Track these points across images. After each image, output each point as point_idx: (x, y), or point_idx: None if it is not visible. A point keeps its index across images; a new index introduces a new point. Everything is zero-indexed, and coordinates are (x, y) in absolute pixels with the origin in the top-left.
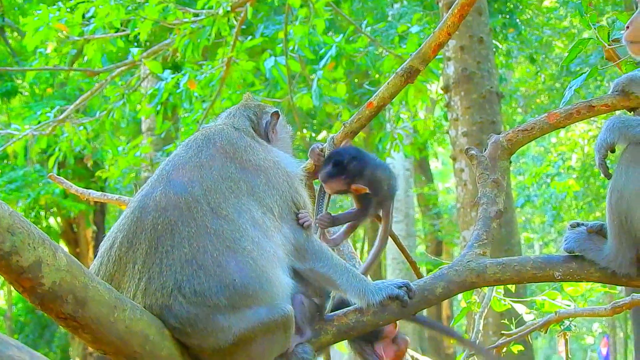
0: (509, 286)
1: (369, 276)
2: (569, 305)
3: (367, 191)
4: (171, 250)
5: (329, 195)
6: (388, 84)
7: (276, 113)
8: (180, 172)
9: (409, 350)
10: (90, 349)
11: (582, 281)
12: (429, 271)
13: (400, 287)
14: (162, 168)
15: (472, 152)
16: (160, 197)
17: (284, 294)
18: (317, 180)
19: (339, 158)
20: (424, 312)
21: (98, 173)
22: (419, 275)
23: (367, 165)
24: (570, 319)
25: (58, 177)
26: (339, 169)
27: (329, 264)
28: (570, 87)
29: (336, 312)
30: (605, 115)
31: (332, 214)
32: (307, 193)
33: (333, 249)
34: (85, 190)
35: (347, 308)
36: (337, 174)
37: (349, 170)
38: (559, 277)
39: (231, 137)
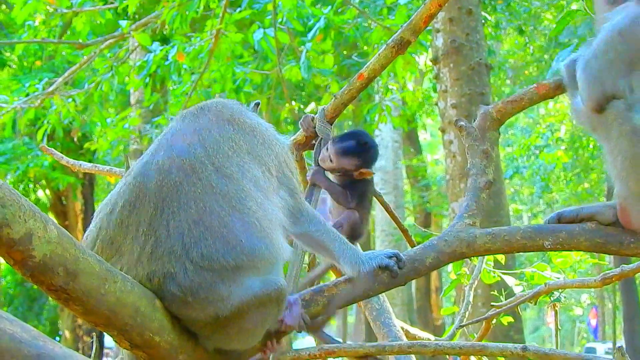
0: (499, 258)
1: (358, 245)
2: (558, 277)
3: (369, 175)
4: (178, 211)
5: (319, 190)
6: (379, 55)
7: (258, 103)
8: (180, 137)
9: (399, 321)
10: (79, 321)
11: (571, 250)
12: (418, 243)
13: (390, 257)
14: (161, 138)
15: (461, 123)
16: (163, 161)
17: (283, 258)
18: (308, 152)
19: (366, 139)
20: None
21: (86, 145)
22: (411, 243)
23: (376, 155)
24: (560, 290)
25: (49, 148)
26: (361, 149)
27: (322, 229)
28: (558, 59)
29: (326, 283)
30: None
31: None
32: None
33: None
34: (75, 161)
35: (338, 279)
36: (357, 153)
37: (369, 155)
38: (549, 247)
39: (224, 103)
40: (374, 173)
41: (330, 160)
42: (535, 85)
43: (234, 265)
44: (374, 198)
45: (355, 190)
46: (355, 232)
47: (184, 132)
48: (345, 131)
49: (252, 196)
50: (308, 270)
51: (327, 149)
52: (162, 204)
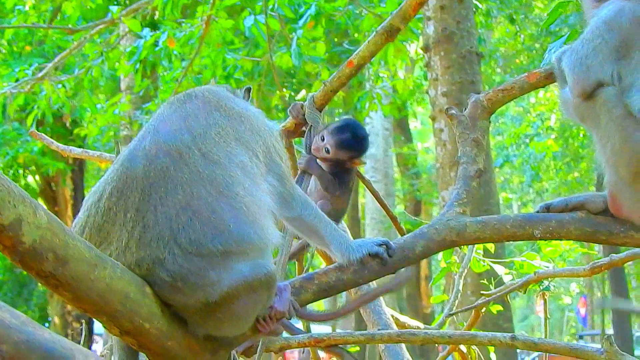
0: (488, 247)
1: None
2: (547, 266)
3: (361, 164)
4: (165, 197)
5: (310, 177)
6: (368, 42)
7: (249, 89)
8: (167, 123)
9: (389, 309)
10: (69, 307)
11: (561, 239)
12: (408, 230)
13: (380, 245)
14: (148, 124)
15: (452, 111)
16: (150, 146)
17: (272, 243)
18: (297, 140)
19: (362, 133)
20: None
21: (76, 131)
22: (401, 231)
23: (366, 146)
24: (549, 279)
25: (39, 133)
26: (357, 142)
27: (314, 213)
28: (550, 49)
29: (317, 270)
30: None
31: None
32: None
33: None
34: (65, 146)
35: (328, 266)
36: (354, 145)
37: (363, 147)
38: (539, 236)
39: (212, 89)
40: (365, 163)
41: (327, 151)
42: (526, 74)
43: (223, 250)
44: (366, 187)
45: (342, 178)
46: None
47: (171, 118)
48: (339, 121)
49: (240, 182)
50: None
51: (323, 139)
52: (150, 190)
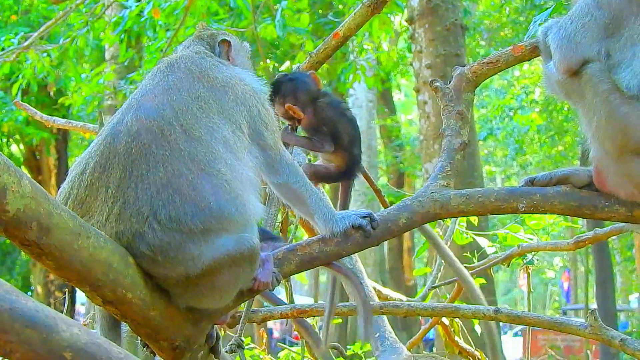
0: (471, 219)
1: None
2: (531, 239)
3: (301, 115)
4: (146, 174)
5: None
6: (354, 14)
7: (224, 40)
8: (149, 97)
9: (371, 281)
10: (51, 276)
11: (546, 213)
12: (391, 203)
13: (363, 217)
14: (131, 98)
15: (437, 84)
16: (131, 122)
17: (255, 218)
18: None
19: (275, 80)
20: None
21: (61, 100)
22: (384, 203)
23: (305, 91)
24: (533, 252)
25: (23, 103)
26: (273, 88)
27: (301, 181)
28: (535, 22)
29: (299, 241)
30: None
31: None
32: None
33: None
34: (49, 117)
35: (311, 238)
36: (275, 95)
37: (282, 91)
38: (523, 209)
39: (194, 59)
40: (297, 108)
41: (278, 114)
42: (511, 47)
43: (202, 228)
44: None
45: (319, 132)
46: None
47: (154, 92)
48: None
49: (222, 157)
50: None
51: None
52: (131, 167)
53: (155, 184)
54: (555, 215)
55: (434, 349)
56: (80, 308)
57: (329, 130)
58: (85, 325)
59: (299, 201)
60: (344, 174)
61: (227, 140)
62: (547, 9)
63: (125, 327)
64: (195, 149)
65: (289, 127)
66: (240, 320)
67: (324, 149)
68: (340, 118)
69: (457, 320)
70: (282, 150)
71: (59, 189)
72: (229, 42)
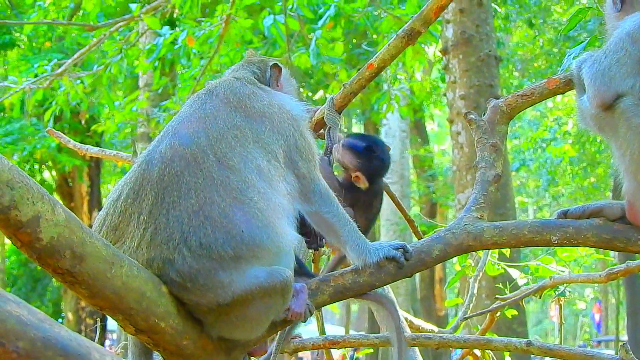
0: (504, 251)
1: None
2: (563, 271)
3: (365, 186)
4: (178, 201)
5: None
6: (389, 45)
7: (276, 65)
8: (185, 125)
9: (402, 311)
10: (82, 304)
11: (578, 246)
12: (423, 233)
13: (397, 249)
14: (168, 125)
15: (472, 116)
16: (165, 150)
17: (288, 246)
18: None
19: (375, 147)
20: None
21: (94, 127)
22: (417, 234)
23: (381, 174)
24: (565, 284)
25: (56, 131)
26: (365, 152)
27: (334, 211)
28: (569, 55)
29: (333, 272)
30: None
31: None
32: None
33: None
34: (82, 145)
35: (345, 269)
36: (360, 154)
37: (371, 163)
38: (556, 242)
39: (234, 87)
40: (367, 184)
41: (338, 151)
42: (545, 80)
43: (233, 255)
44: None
45: (349, 194)
46: None
47: (190, 120)
48: (368, 134)
49: (255, 186)
50: (314, 262)
51: (339, 138)
52: (163, 193)
53: (186, 210)
54: (587, 248)
55: None
56: (110, 334)
57: (355, 197)
58: (118, 354)
59: (331, 230)
60: None
61: (261, 169)
62: (581, 42)
63: (157, 356)
64: (228, 177)
65: (327, 159)
66: (273, 351)
67: (346, 199)
68: (379, 195)
69: (488, 351)
70: (316, 179)
71: (91, 216)
72: (280, 68)
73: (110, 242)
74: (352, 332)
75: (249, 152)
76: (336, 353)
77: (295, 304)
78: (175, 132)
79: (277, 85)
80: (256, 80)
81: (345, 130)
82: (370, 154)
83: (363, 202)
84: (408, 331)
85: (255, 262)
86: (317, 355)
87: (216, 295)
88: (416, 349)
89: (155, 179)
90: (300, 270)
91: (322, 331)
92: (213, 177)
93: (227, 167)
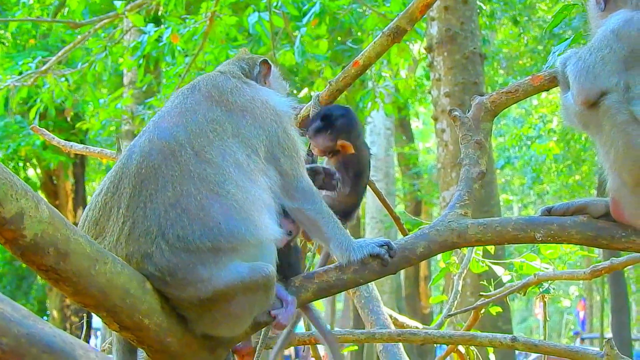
0: (488, 248)
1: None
2: (547, 268)
3: (353, 151)
4: (155, 194)
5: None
6: (374, 43)
7: (265, 61)
8: (165, 119)
9: (387, 309)
10: (67, 301)
11: (562, 243)
12: (409, 230)
13: (381, 246)
14: (152, 119)
15: (456, 113)
16: (144, 143)
17: (269, 239)
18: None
19: (328, 113)
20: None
21: (79, 125)
22: (403, 231)
23: (356, 129)
24: (549, 281)
25: (40, 128)
26: (326, 123)
27: (317, 208)
28: (554, 52)
29: (316, 269)
30: None
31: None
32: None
33: None
34: (67, 142)
35: (328, 266)
36: (326, 128)
37: (337, 125)
38: (540, 239)
39: (216, 81)
40: (350, 145)
41: (311, 146)
42: (530, 77)
43: (211, 247)
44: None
45: (347, 172)
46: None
47: (171, 114)
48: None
49: (233, 179)
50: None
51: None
52: (140, 186)
53: (163, 203)
54: (571, 245)
55: None
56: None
57: (354, 171)
58: (104, 350)
59: (315, 227)
60: (345, 215)
61: (239, 163)
62: (566, 39)
63: (141, 353)
64: (205, 170)
65: (311, 158)
66: (257, 347)
67: (340, 189)
68: (368, 163)
69: (472, 348)
70: (299, 175)
71: (76, 213)
72: (270, 65)
73: (92, 237)
74: (337, 328)
75: (228, 146)
76: (322, 349)
77: (282, 315)
78: (155, 126)
79: (265, 82)
80: (242, 75)
81: None
82: (330, 120)
83: (358, 177)
84: (393, 327)
85: (235, 256)
86: (304, 351)
87: (196, 290)
88: (400, 346)
89: (133, 172)
90: (291, 271)
91: (308, 327)
92: (190, 170)
93: (205, 160)
